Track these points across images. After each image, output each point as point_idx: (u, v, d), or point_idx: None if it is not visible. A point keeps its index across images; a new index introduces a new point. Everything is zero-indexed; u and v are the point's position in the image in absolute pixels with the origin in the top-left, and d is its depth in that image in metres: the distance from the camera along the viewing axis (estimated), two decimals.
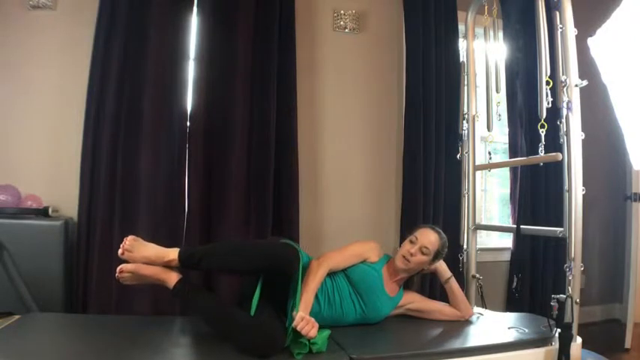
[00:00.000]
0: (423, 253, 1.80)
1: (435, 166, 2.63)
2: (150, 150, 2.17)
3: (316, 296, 1.68)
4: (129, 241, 1.56)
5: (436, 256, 1.85)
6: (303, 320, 1.44)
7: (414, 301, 1.91)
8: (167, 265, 1.57)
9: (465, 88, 2.46)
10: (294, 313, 1.49)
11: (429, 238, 1.83)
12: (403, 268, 1.81)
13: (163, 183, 2.19)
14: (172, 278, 1.56)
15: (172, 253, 1.58)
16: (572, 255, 1.66)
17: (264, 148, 2.31)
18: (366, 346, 1.54)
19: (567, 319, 1.63)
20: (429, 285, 2.49)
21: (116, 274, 1.54)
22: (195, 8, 2.31)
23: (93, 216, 2.11)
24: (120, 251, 1.54)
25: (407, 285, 1.93)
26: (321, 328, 1.49)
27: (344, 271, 1.79)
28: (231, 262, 1.61)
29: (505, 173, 3.04)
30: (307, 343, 1.43)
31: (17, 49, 2.18)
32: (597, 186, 3.03)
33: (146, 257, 1.55)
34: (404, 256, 1.80)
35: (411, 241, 1.83)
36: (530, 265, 2.84)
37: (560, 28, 1.73)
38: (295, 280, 1.59)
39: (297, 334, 1.43)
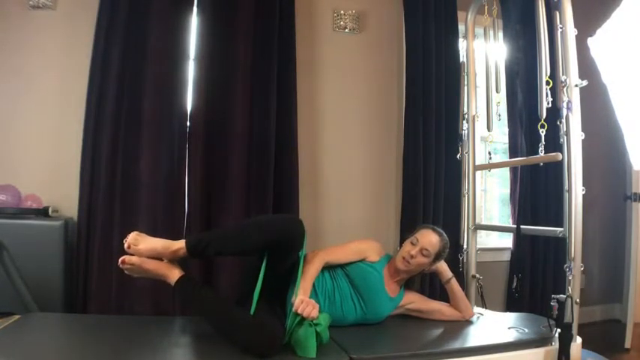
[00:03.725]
0: (423, 255, 1.79)
1: (435, 166, 2.63)
2: (150, 150, 2.17)
3: (317, 295, 1.69)
4: (132, 235, 1.53)
5: (437, 258, 1.85)
6: (303, 302, 1.44)
7: (414, 301, 1.91)
8: (173, 258, 1.55)
9: (465, 88, 2.45)
10: (294, 298, 1.49)
11: (429, 239, 1.82)
12: (403, 270, 1.81)
13: (163, 183, 2.19)
14: (174, 274, 1.54)
15: (179, 243, 1.54)
16: (572, 255, 1.66)
17: (264, 148, 2.31)
18: (366, 346, 1.53)
19: (567, 319, 1.63)
20: (429, 285, 2.49)
21: (119, 263, 1.50)
22: (195, 8, 2.31)
23: (93, 216, 2.11)
24: (126, 245, 1.51)
25: (407, 285, 1.93)
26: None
27: (345, 270, 1.79)
28: (242, 241, 1.56)
29: (505, 173, 3.04)
30: (312, 324, 1.42)
31: (17, 49, 2.18)
32: (597, 186, 3.04)
33: (153, 249, 1.51)
34: (404, 258, 1.79)
35: (412, 243, 1.82)
36: (530, 265, 2.84)
37: (560, 28, 1.73)
38: (296, 271, 1.61)
39: (297, 318, 1.43)
